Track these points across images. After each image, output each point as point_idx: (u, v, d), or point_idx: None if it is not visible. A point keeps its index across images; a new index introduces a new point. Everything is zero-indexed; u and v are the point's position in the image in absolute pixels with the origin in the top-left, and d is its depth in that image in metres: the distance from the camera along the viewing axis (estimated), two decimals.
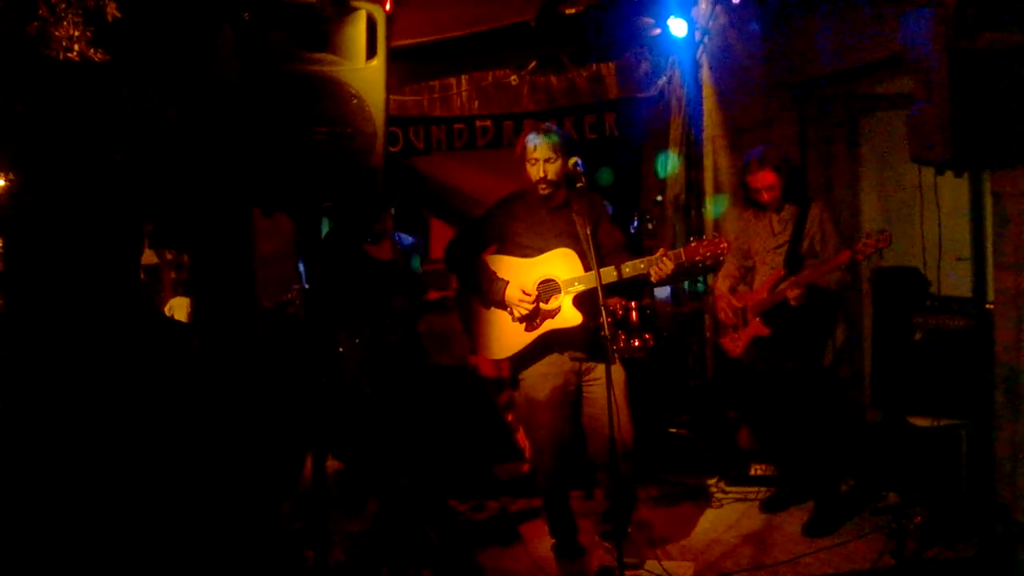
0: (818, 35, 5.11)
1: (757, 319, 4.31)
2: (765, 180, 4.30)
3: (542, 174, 3.71)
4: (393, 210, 5.00)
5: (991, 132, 2.98)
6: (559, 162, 3.71)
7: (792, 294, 4.09)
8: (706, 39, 5.67)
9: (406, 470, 4.60)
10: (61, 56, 3.91)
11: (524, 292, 3.67)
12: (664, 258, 3.54)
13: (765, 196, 4.33)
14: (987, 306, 3.68)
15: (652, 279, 3.60)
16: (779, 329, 4.26)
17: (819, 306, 4.24)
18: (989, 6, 2.96)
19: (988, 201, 3.65)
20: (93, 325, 3.10)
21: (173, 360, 3.32)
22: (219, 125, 3.01)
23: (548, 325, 3.71)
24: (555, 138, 3.74)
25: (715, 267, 3.76)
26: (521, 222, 3.81)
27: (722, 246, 3.57)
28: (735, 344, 4.45)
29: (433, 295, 5.06)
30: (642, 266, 3.58)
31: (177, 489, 3.11)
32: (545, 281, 3.71)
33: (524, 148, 3.77)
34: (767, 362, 4.39)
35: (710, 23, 5.60)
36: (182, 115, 3.73)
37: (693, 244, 3.60)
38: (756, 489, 4.73)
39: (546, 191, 3.73)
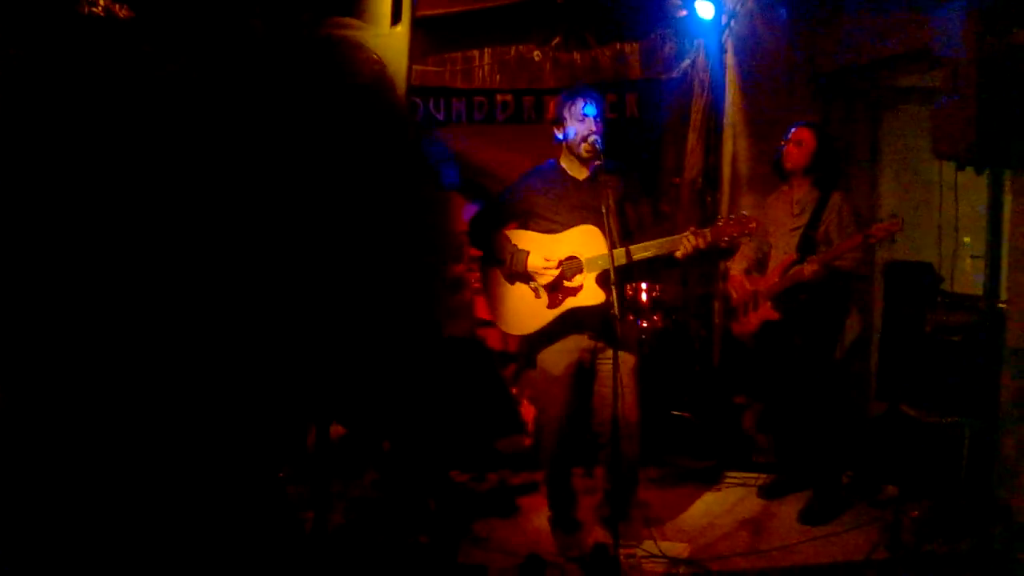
0: (846, 25, 5.07)
1: (768, 303, 4.31)
2: (799, 134, 4.32)
3: (593, 130, 3.65)
4: None
5: (1015, 130, 2.97)
6: (602, 124, 3.68)
7: (809, 269, 4.08)
8: (733, 23, 5.62)
9: (408, 438, 4.63)
10: (86, 10, 3.91)
11: (546, 259, 3.66)
12: (691, 235, 3.49)
13: (791, 148, 4.32)
14: (999, 305, 3.66)
15: (678, 257, 3.53)
16: (789, 314, 4.26)
17: (831, 294, 4.23)
18: (1021, 3, 2.94)
19: (1007, 200, 3.63)
20: (96, 275, 3.10)
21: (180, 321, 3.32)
22: (242, 86, 3.01)
23: (570, 303, 3.70)
24: (600, 101, 3.72)
25: (736, 248, 3.72)
26: (545, 196, 3.78)
27: (751, 225, 3.52)
28: (745, 328, 4.45)
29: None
30: (668, 245, 3.53)
31: (177, 450, 3.13)
32: (568, 258, 3.70)
33: (569, 104, 3.70)
34: (775, 347, 4.39)
35: (738, 7, 5.55)
36: (205, 75, 3.73)
37: (720, 224, 3.55)
38: (756, 475, 4.75)
39: (589, 152, 3.67)
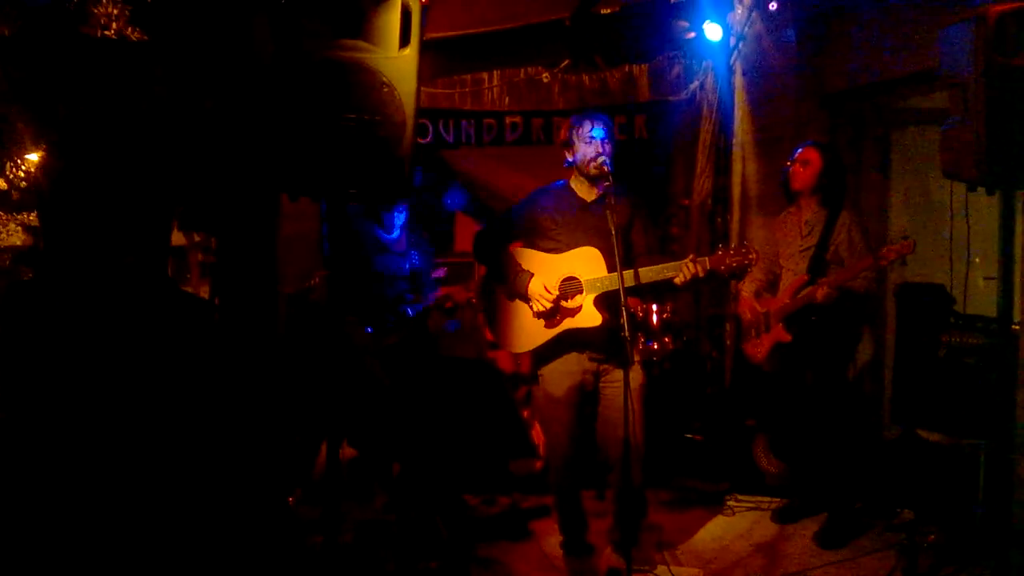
0: (854, 46, 5.08)
1: (780, 325, 4.28)
2: (806, 153, 4.33)
3: (600, 151, 3.68)
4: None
5: None
6: (612, 146, 3.71)
7: (821, 292, 4.06)
8: (741, 45, 5.64)
9: (419, 461, 4.60)
10: (99, 33, 3.95)
11: (546, 288, 3.67)
12: (690, 263, 3.52)
13: (798, 168, 4.32)
14: (1013, 327, 3.63)
15: (677, 284, 3.57)
16: (801, 336, 4.23)
17: (843, 316, 4.21)
18: None
19: (1020, 221, 3.60)
20: (114, 304, 3.11)
21: (194, 341, 3.33)
22: (251, 108, 3.02)
23: (568, 323, 3.70)
24: (609, 124, 3.76)
25: (741, 275, 3.75)
26: (552, 216, 3.79)
27: (751, 256, 3.56)
28: (757, 350, 4.43)
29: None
30: (668, 271, 3.56)
31: (191, 471, 3.12)
32: (568, 279, 3.70)
33: (578, 127, 3.74)
34: (787, 370, 4.36)
35: (746, 29, 5.57)
36: (215, 97, 3.75)
37: (720, 253, 3.59)
38: (769, 499, 4.71)
39: (597, 172, 3.68)
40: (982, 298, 4.09)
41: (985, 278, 3.89)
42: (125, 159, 3.14)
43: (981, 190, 3.12)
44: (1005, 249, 3.22)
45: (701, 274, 3.52)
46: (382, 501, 4.59)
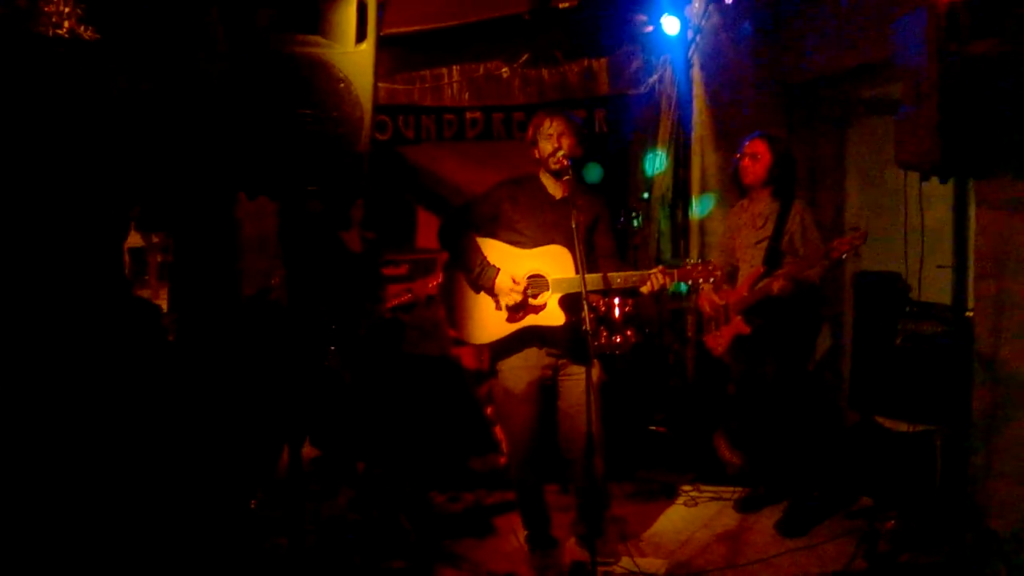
0: (809, 37, 5.13)
1: (739, 317, 4.32)
2: (754, 146, 4.34)
3: (557, 145, 3.70)
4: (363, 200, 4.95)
5: (977, 140, 2.99)
6: (573, 140, 3.73)
7: (777, 285, 4.10)
8: (698, 38, 5.67)
9: (383, 459, 4.59)
10: (50, 32, 3.87)
11: (514, 281, 3.67)
12: (659, 274, 3.60)
13: (747, 162, 4.35)
14: (967, 314, 3.70)
15: (644, 293, 3.67)
16: (760, 328, 4.27)
17: (801, 307, 4.25)
18: (980, 14, 2.96)
19: (972, 209, 3.67)
20: (68, 309, 3.06)
21: (149, 344, 3.28)
22: (206, 106, 2.98)
23: (531, 320, 3.70)
24: (570, 119, 3.80)
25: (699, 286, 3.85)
26: (519, 207, 3.79)
27: (716, 273, 3.67)
28: (717, 342, 4.46)
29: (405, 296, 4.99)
30: (635, 279, 3.63)
31: (149, 477, 3.08)
32: (535, 276, 3.70)
33: (538, 125, 3.79)
34: (748, 361, 4.40)
35: (703, 22, 5.60)
36: (170, 95, 3.70)
37: (687, 267, 3.67)
38: (732, 489, 4.74)
39: (557, 166, 3.70)
40: (936, 286, 4.17)
41: (939, 266, 3.94)
42: (75, 158, 3.09)
43: (935, 179, 3.17)
44: (958, 237, 3.28)
45: (668, 285, 3.63)
46: (346, 500, 4.56)
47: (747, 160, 4.35)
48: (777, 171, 4.32)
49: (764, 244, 4.29)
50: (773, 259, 4.24)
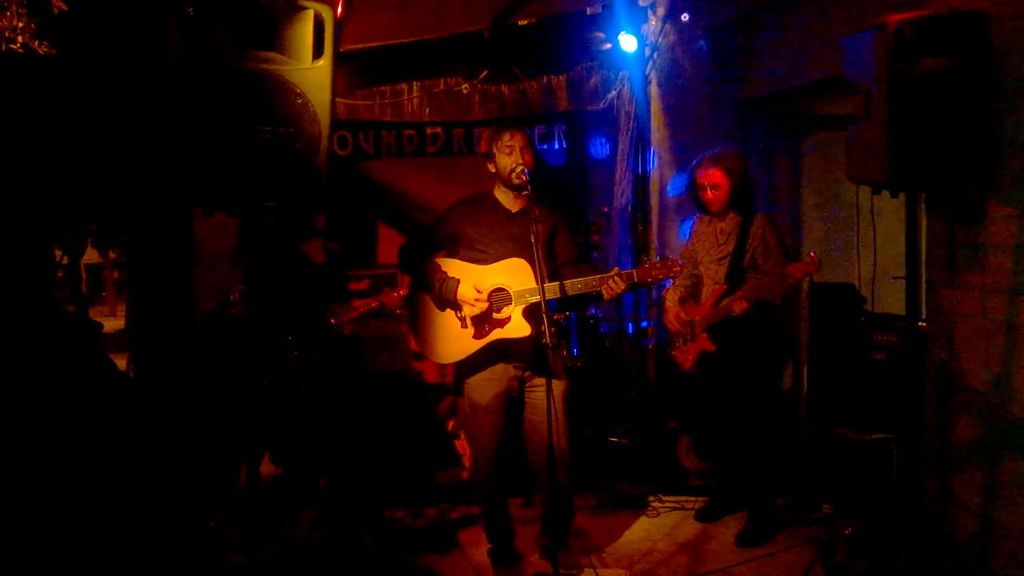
0: (763, 55, 5.22)
1: (704, 334, 4.34)
2: (712, 178, 4.31)
3: (520, 161, 3.70)
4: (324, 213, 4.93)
5: (926, 154, 3.06)
6: (531, 155, 3.74)
7: (738, 306, 4.13)
8: (655, 55, 5.74)
9: (344, 475, 4.56)
10: (3, 47, 3.83)
11: (477, 289, 3.67)
12: (617, 278, 3.60)
13: (709, 195, 4.34)
14: (920, 324, 3.77)
15: (604, 297, 3.66)
16: (725, 345, 4.30)
17: (763, 324, 4.28)
18: (927, 33, 3.05)
19: (923, 221, 3.75)
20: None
21: (83, 361, 3.23)
22: (162, 121, 2.96)
23: (497, 334, 3.71)
24: (526, 132, 3.80)
25: (665, 283, 3.82)
26: (477, 226, 3.80)
27: (675, 269, 3.66)
28: (685, 358, 4.46)
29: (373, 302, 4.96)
30: (594, 283, 3.63)
31: (99, 495, 3.03)
32: (497, 290, 3.71)
33: (496, 139, 3.76)
34: (713, 375, 4.42)
35: (659, 39, 5.67)
36: (126, 110, 3.68)
37: (647, 265, 3.67)
38: (693, 499, 4.78)
39: (519, 180, 3.69)
40: (890, 297, 4.25)
41: (892, 277, 4.02)
42: (27, 172, 3.06)
43: (886, 192, 3.24)
44: (910, 249, 3.35)
45: (624, 287, 3.61)
46: (309, 517, 4.53)
47: (709, 193, 4.32)
48: (738, 193, 4.35)
49: (727, 261, 4.32)
50: (735, 276, 4.27)
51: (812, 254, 3.97)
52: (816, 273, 3.99)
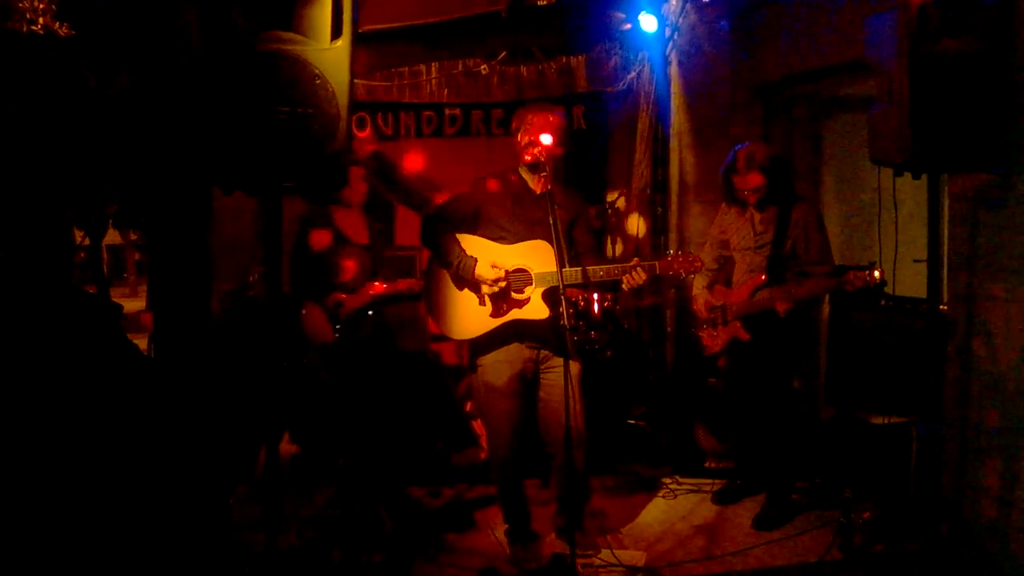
0: (785, 35, 5.17)
1: (738, 323, 4.30)
2: (753, 182, 4.20)
3: (533, 139, 3.71)
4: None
5: (949, 135, 3.03)
6: (557, 137, 3.73)
7: (782, 307, 4.09)
8: (676, 35, 5.70)
9: (362, 454, 4.59)
10: (24, 28, 3.84)
11: (494, 267, 3.68)
12: (639, 269, 3.60)
13: (752, 198, 4.25)
14: (941, 308, 3.74)
15: (624, 287, 3.66)
16: (761, 336, 4.25)
17: (801, 316, 4.23)
18: (951, 13, 3.00)
19: (946, 204, 3.71)
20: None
21: (102, 343, 3.23)
22: (181, 101, 2.97)
23: (515, 314, 3.72)
24: (553, 115, 3.80)
25: (684, 282, 3.79)
26: (501, 205, 3.81)
27: (697, 264, 3.66)
28: (713, 341, 4.42)
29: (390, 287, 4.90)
30: (616, 271, 3.64)
31: (121, 475, 3.06)
32: (518, 270, 3.72)
33: (519, 119, 3.80)
34: (740, 363, 4.38)
35: (680, 20, 5.63)
36: (145, 91, 3.68)
37: (669, 259, 3.67)
38: (710, 481, 4.78)
39: (531, 158, 3.71)
40: (912, 280, 4.21)
41: (915, 260, 3.98)
42: (48, 154, 3.08)
43: (908, 174, 3.21)
44: (932, 231, 3.31)
45: (645, 279, 3.62)
46: (326, 496, 4.56)
47: (751, 197, 4.23)
48: (778, 186, 4.27)
49: (765, 250, 4.25)
50: (775, 266, 4.21)
51: (877, 272, 3.89)
52: (874, 285, 3.92)
